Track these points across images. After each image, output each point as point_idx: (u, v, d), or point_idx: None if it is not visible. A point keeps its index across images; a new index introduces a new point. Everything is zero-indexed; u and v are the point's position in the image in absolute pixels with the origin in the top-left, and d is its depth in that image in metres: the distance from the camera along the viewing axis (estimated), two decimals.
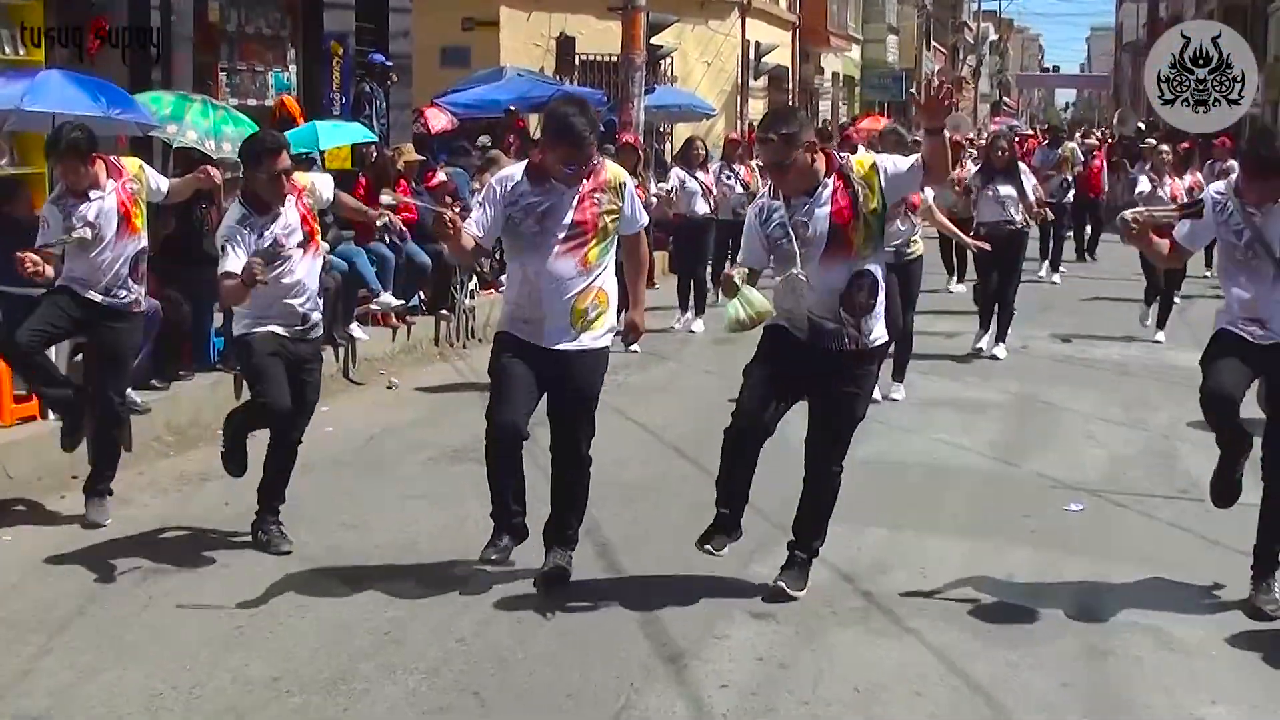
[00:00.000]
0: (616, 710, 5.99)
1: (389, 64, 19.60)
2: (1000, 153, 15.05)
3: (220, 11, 16.88)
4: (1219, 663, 6.67)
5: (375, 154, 16.10)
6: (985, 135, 29.47)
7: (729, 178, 17.86)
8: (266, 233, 7.95)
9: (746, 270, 7.19)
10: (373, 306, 14.24)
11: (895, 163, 7.16)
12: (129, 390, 10.28)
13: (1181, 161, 17.75)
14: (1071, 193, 22.77)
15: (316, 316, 8.31)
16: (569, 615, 7.07)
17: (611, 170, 7.44)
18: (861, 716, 5.99)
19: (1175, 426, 11.57)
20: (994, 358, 14.72)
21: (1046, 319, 17.61)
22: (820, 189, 7.05)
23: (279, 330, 8.06)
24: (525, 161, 7.52)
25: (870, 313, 7.09)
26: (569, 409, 7.41)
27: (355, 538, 8.43)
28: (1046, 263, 22.28)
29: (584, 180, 7.24)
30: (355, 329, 13.81)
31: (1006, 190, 14.68)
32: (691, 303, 17.01)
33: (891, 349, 12.18)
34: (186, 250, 11.48)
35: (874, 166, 7.10)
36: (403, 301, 14.64)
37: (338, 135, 15.25)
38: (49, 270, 8.45)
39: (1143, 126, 39.08)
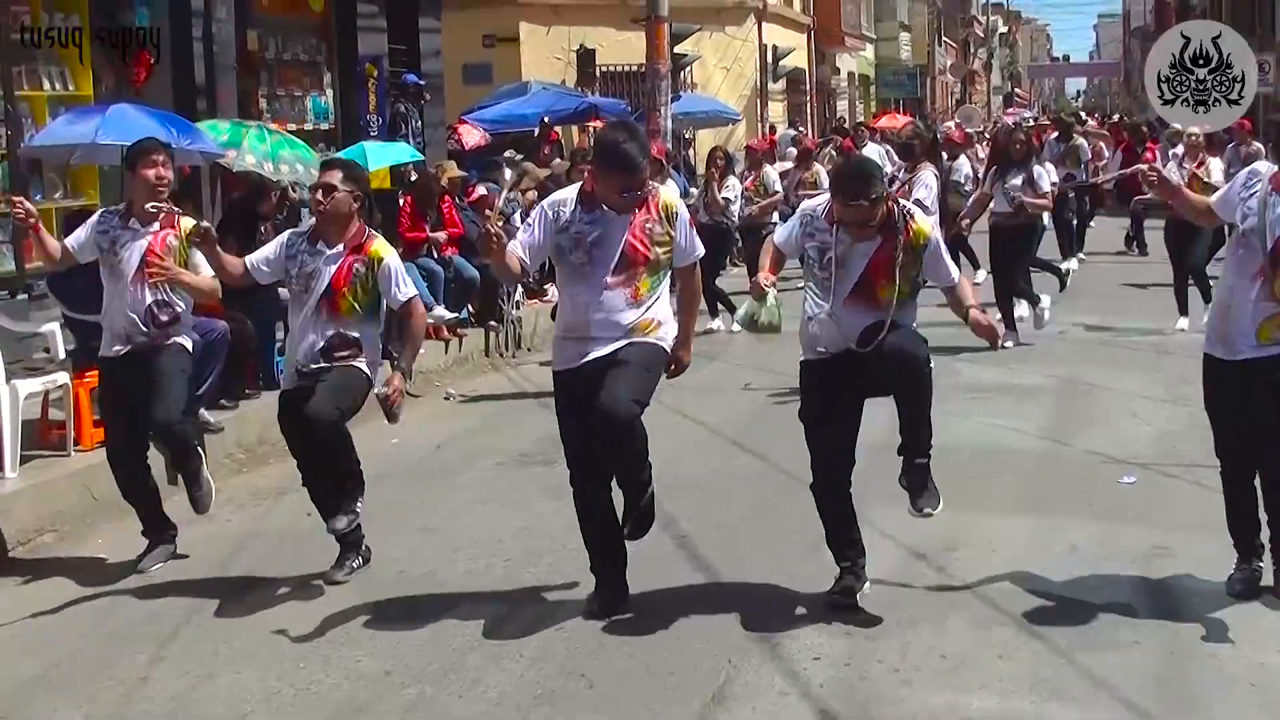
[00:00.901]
0: (719, 685, 6.30)
1: (422, 83, 19.94)
2: (1019, 145, 15.26)
3: (259, 39, 17.20)
4: None
5: (416, 173, 16.41)
6: (997, 126, 29.70)
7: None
8: (309, 260, 7.83)
9: (774, 285, 7.35)
10: (427, 320, 14.53)
11: (941, 260, 7.16)
12: (203, 411, 10.63)
13: (1209, 143, 17.94)
14: (1076, 182, 22.74)
15: (315, 366, 7.84)
16: (659, 602, 7.36)
17: (665, 198, 7.24)
18: (950, 679, 6.30)
19: None
20: (1019, 319, 15.07)
21: (1077, 305, 17.81)
22: (871, 240, 7.03)
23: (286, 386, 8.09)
24: (578, 186, 7.30)
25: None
26: (616, 373, 6.94)
27: (439, 541, 8.73)
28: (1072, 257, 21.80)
29: (636, 209, 7.06)
30: None
31: (1014, 182, 14.90)
32: (721, 305, 17.13)
33: None
34: None
35: (927, 243, 7.06)
36: (455, 315, 14.96)
37: (385, 155, 15.56)
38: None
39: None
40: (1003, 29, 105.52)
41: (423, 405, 13.44)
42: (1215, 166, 15.56)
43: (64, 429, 10.14)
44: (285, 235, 8.13)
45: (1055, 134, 24.14)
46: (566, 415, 7.16)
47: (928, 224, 7.19)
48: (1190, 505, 8.83)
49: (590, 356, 7.02)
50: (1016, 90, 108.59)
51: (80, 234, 8.50)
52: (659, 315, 7.15)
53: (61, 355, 10.97)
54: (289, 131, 14.94)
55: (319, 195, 7.84)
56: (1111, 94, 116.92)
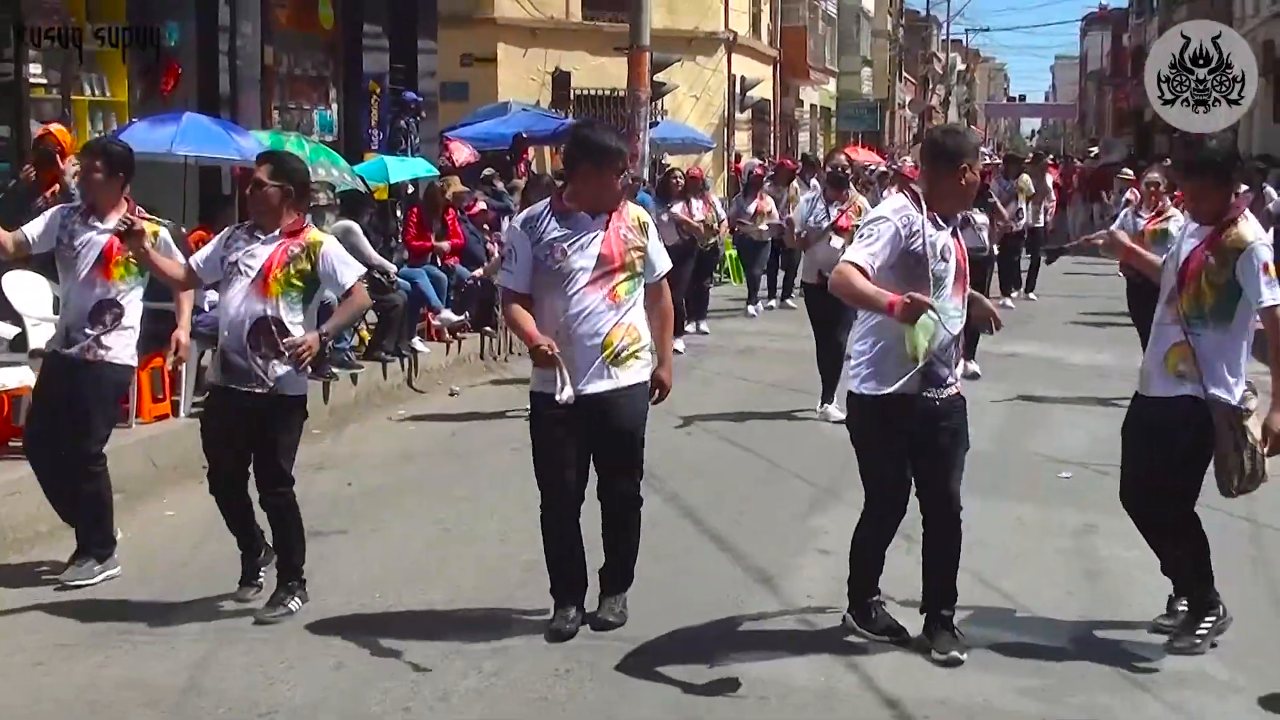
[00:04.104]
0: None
1: (421, 100, 21.20)
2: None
3: (274, 55, 18.48)
4: None
5: (413, 186, 17.49)
6: None
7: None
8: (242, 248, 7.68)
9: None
10: (435, 322, 15.81)
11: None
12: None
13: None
14: (1024, 221, 23.13)
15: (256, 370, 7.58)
16: (674, 547, 8.74)
17: (634, 211, 7.48)
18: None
19: None
20: (975, 375, 15.02)
21: (1027, 331, 19.18)
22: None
23: (224, 384, 7.68)
24: (547, 200, 7.51)
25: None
26: (615, 451, 7.39)
27: (471, 507, 9.97)
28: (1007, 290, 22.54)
29: (610, 216, 7.27)
30: (417, 343, 15.40)
31: (981, 218, 15.57)
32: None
33: None
34: None
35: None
36: (463, 317, 16.17)
37: (404, 169, 16.81)
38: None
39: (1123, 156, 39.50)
40: (961, 66, 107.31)
41: (430, 399, 14.70)
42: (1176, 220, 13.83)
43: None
44: (227, 230, 8.01)
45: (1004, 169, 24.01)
46: (563, 443, 7.26)
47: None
48: (1117, 494, 10.22)
49: (579, 389, 7.09)
50: (972, 127, 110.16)
51: (38, 224, 8.50)
52: (639, 323, 7.34)
53: None
54: None
55: (249, 189, 7.82)
56: (1066, 134, 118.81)
